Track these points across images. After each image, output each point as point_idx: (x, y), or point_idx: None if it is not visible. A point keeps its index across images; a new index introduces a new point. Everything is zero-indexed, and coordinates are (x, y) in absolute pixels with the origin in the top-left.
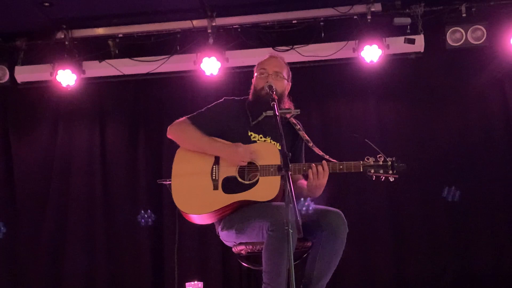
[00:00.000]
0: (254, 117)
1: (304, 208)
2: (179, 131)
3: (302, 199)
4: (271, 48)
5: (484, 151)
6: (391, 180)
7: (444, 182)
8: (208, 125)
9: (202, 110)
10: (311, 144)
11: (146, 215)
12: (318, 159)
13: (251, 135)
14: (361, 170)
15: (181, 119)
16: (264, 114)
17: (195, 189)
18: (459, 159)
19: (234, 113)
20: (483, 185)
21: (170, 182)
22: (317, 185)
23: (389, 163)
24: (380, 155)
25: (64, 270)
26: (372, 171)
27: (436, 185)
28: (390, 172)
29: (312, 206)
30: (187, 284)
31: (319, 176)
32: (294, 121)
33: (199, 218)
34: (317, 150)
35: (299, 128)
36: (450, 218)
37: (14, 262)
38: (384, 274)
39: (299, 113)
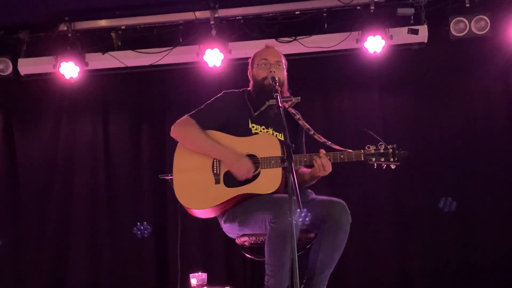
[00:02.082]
0: (256, 108)
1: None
2: (183, 132)
3: (298, 210)
4: (274, 40)
5: (487, 142)
6: (393, 167)
7: (447, 174)
8: (211, 121)
9: (203, 106)
10: (312, 132)
11: (142, 227)
12: (321, 146)
13: (253, 127)
14: (362, 159)
15: (183, 118)
16: (267, 103)
17: (197, 184)
18: (463, 151)
19: (234, 105)
20: (487, 177)
21: (171, 177)
22: (322, 176)
23: (390, 150)
24: (381, 143)
25: (69, 264)
26: (373, 159)
27: (439, 177)
28: (392, 159)
29: (315, 197)
30: (191, 275)
31: (325, 168)
32: (293, 111)
33: (202, 213)
34: (318, 138)
35: (298, 117)
36: (454, 210)
37: (18, 257)
38: (387, 266)
39: (299, 100)
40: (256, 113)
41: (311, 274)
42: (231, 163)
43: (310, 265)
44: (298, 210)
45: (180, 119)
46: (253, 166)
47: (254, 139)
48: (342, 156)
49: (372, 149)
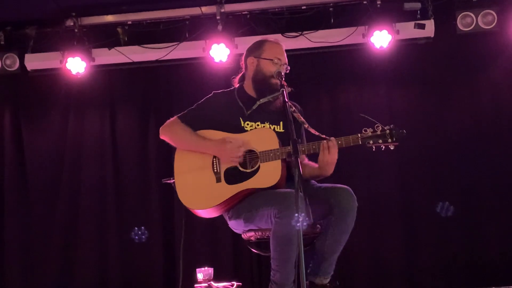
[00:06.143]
0: (249, 105)
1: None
2: (170, 132)
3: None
4: (280, 34)
5: (495, 137)
6: (392, 148)
7: (455, 169)
8: (199, 122)
9: (192, 107)
10: (306, 125)
11: (140, 232)
12: (316, 140)
13: (248, 124)
14: (360, 143)
15: (171, 119)
16: (257, 103)
17: (198, 184)
18: (470, 146)
19: (224, 106)
20: (494, 172)
21: (173, 181)
22: (329, 162)
23: (387, 131)
24: (377, 125)
25: (77, 258)
26: (371, 142)
27: (447, 173)
28: (390, 140)
29: (319, 185)
30: (197, 270)
31: (330, 151)
32: (290, 103)
33: (205, 213)
34: (313, 131)
35: (294, 110)
36: (461, 205)
37: (27, 250)
38: (394, 261)
39: (292, 91)
40: (248, 112)
41: (320, 258)
42: (218, 152)
43: (317, 250)
44: (304, 206)
45: (168, 121)
46: (238, 147)
47: (250, 134)
48: (340, 142)
49: (369, 132)
